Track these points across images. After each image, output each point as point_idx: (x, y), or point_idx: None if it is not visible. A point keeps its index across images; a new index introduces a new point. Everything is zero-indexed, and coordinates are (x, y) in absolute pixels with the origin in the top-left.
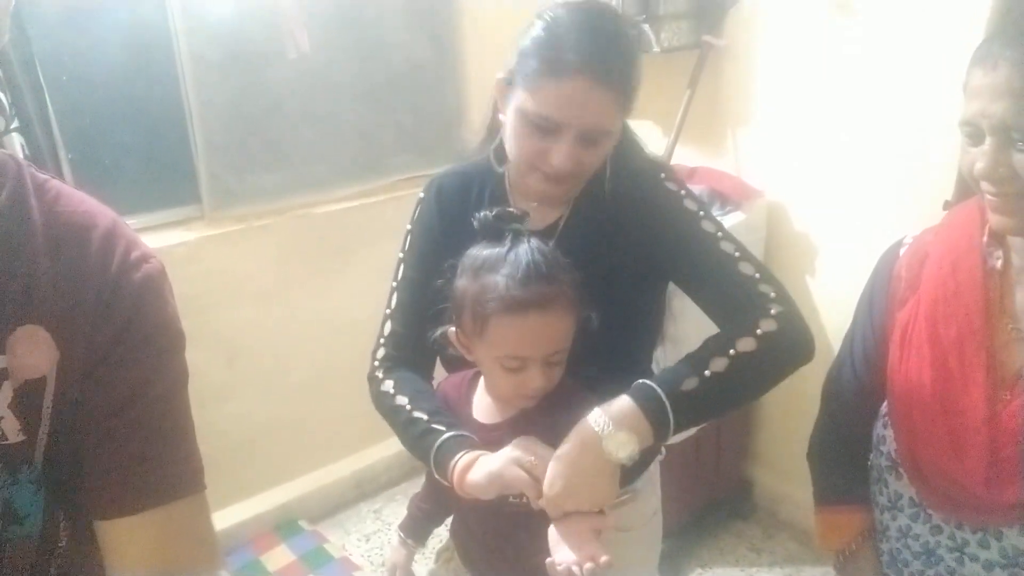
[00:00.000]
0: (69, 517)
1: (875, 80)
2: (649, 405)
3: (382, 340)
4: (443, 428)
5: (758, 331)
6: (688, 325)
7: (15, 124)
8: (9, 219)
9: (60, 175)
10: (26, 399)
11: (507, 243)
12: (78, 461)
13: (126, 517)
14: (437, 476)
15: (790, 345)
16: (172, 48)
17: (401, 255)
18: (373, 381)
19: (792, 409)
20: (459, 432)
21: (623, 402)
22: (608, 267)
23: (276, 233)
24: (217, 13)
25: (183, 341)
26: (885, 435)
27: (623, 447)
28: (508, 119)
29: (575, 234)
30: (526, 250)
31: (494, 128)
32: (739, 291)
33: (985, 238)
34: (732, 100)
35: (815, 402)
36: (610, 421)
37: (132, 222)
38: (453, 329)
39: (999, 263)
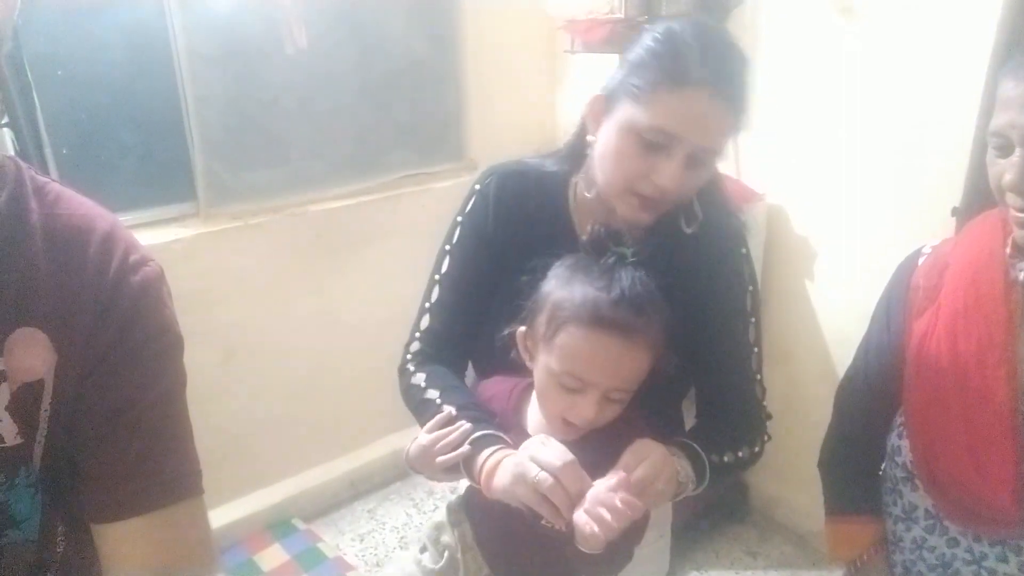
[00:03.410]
0: (66, 521)
1: (877, 83)
2: (697, 468)
3: (417, 334)
4: (471, 425)
5: (755, 448)
6: None
7: (4, 120)
8: (8, 221)
9: (46, 172)
10: (24, 402)
11: (610, 262)
12: (76, 464)
13: (123, 520)
14: (466, 475)
15: (754, 463)
16: (169, 43)
17: (447, 247)
18: (404, 374)
19: (788, 412)
20: (487, 431)
21: (681, 457)
22: (670, 302)
23: (272, 231)
24: (215, 8)
25: (181, 344)
26: (900, 445)
27: (684, 487)
28: (606, 137)
29: (645, 264)
30: (629, 275)
31: (576, 149)
32: (746, 410)
33: (1008, 250)
34: None
35: (811, 405)
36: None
37: (127, 219)
38: (522, 329)
39: (1022, 276)
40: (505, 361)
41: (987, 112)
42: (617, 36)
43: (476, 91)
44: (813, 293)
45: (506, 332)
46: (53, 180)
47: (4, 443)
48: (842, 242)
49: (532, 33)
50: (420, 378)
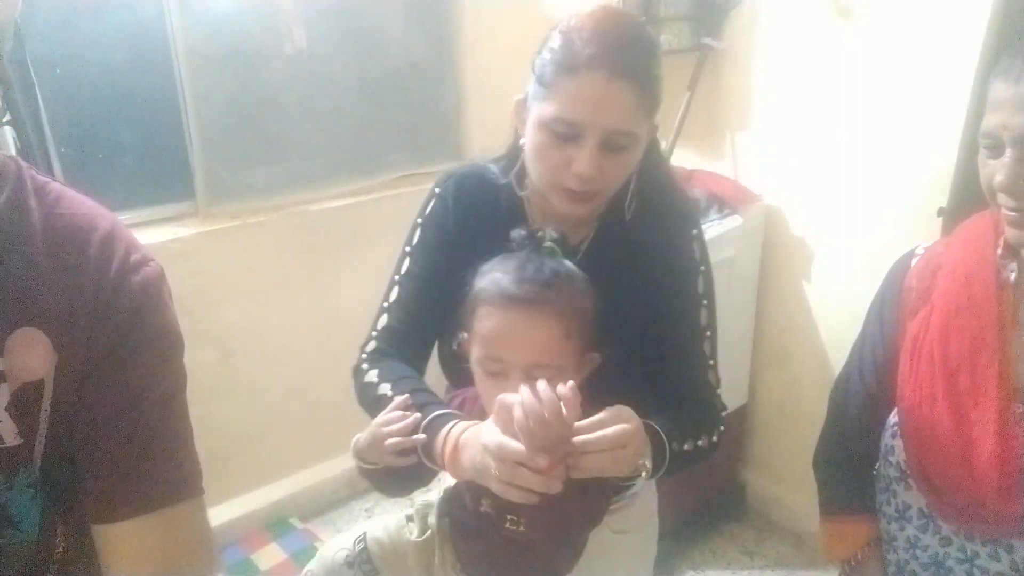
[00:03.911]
0: (66, 521)
1: (874, 85)
2: (657, 451)
3: (374, 333)
4: (421, 414)
5: (712, 438)
6: None
7: (6, 118)
8: (8, 221)
9: (50, 170)
10: (24, 402)
11: (528, 252)
12: (76, 465)
13: (123, 521)
14: (427, 462)
15: (711, 454)
16: (168, 43)
17: (407, 248)
18: (358, 374)
19: (786, 412)
20: (441, 411)
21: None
22: (626, 293)
23: (271, 230)
24: (214, 8)
25: (182, 345)
26: (894, 445)
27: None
28: (528, 138)
29: (596, 258)
30: (539, 259)
31: (514, 153)
32: (699, 395)
33: (999, 251)
34: (731, 103)
35: (808, 406)
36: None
37: (126, 217)
38: (465, 334)
39: (1013, 276)
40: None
41: (975, 114)
42: None
43: (474, 90)
44: (810, 293)
45: (456, 344)
46: (54, 180)
47: (4, 443)
48: (840, 243)
49: (530, 33)
50: (373, 375)
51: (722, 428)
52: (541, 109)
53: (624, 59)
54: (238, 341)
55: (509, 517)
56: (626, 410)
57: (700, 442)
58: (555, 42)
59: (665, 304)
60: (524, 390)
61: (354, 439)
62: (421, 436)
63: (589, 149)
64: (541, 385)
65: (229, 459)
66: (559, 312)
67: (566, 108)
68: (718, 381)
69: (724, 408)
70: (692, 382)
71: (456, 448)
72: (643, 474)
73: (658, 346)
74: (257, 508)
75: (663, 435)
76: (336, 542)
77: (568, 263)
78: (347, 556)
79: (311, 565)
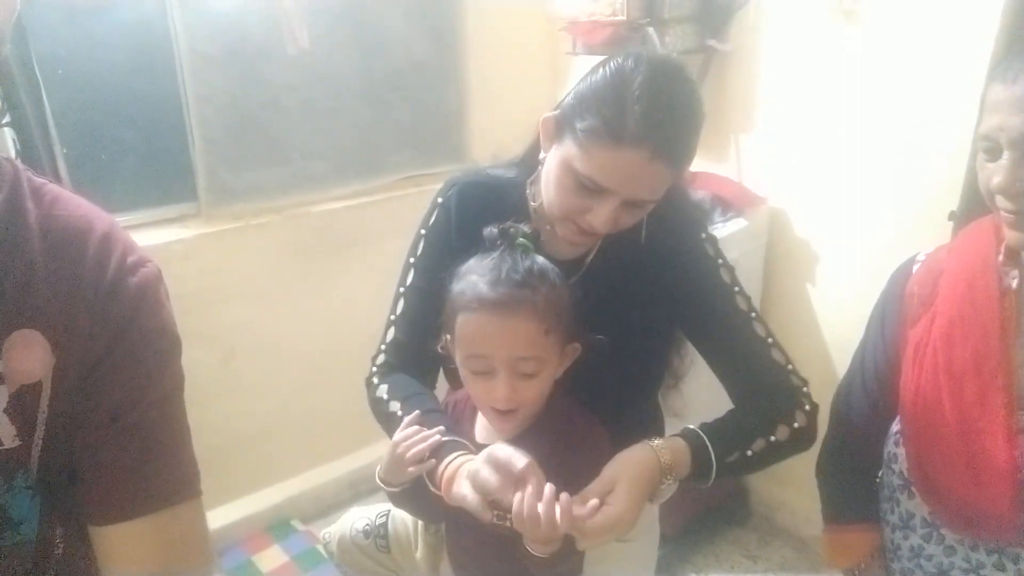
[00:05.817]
0: (65, 523)
1: (880, 88)
2: (700, 466)
3: (383, 347)
4: (438, 436)
5: (795, 424)
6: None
7: (7, 119)
8: (5, 223)
9: (56, 171)
10: (22, 404)
11: (500, 250)
12: (74, 466)
13: (122, 523)
14: (429, 484)
15: (809, 440)
16: (171, 43)
17: (412, 260)
18: (369, 386)
19: None
20: (448, 438)
21: (682, 451)
22: (630, 308)
23: (273, 231)
24: (216, 8)
25: (179, 346)
26: (897, 453)
27: (665, 494)
28: (551, 164)
29: (602, 271)
30: (512, 259)
31: (530, 158)
32: (772, 378)
33: (1001, 257)
34: (736, 105)
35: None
36: (671, 470)
37: (128, 219)
38: (448, 336)
39: (1015, 282)
40: None
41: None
42: (619, 38)
43: (477, 92)
44: (815, 296)
45: (439, 345)
46: (56, 181)
47: (2, 445)
48: (844, 246)
49: (534, 35)
50: (383, 390)
51: (807, 407)
52: (572, 154)
53: (670, 140)
54: (240, 342)
55: (495, 512)
56: (609, 477)
57: (774, 437)
58: (605, 90)
59: (697, 306)
60: (530, 487)
61: (377, 469)
62: (431, 461)
63: (608, 208)
64: (547, 489)
65: (231, 461)
66: (536, 310)
67: (598, 173)
68: (786, 358)
69: (805, 383)
70: (756, 369)
71: (452, 478)
72: (684, 472)
73: (709, 347)
74: (259, 510)
75: (712, 455)
76: (359, 511)
77: (540, 259)
78: (366, 525)
79: (329, 529)
